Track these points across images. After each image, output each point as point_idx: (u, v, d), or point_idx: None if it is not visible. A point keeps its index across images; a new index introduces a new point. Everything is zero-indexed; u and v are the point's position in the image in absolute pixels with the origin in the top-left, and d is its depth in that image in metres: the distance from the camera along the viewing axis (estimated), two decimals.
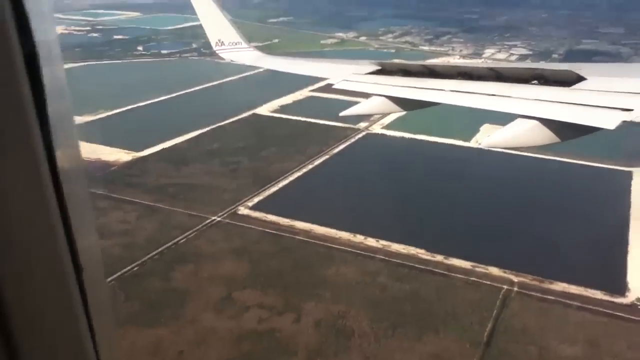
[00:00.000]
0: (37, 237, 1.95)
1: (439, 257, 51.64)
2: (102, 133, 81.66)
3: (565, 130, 9.45)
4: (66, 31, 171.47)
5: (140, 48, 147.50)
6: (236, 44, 21.41)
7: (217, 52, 21.66)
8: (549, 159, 75.30)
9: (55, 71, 2.13)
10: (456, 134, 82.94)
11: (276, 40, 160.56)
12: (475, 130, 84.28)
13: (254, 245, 52.74)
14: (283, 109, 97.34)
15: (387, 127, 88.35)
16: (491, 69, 11.87)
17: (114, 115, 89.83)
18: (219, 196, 62.35)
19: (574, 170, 72.86)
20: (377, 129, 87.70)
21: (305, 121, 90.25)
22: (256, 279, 47.23)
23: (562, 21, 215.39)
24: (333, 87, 14.85)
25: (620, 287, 48.22)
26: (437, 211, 60.73)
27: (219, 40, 21.00)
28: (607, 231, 57.27)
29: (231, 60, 22.09)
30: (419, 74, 13.11)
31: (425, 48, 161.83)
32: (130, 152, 74.33)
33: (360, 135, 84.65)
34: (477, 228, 57.25)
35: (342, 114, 14.08)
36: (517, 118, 9.74)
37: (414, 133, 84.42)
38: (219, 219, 57.53)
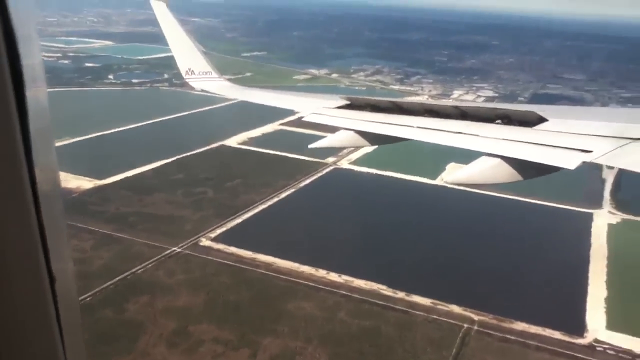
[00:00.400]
0: (16, 251, 2.10)
1: (400, 294, 51.23)
2: (65, 160, 79.96)
3: (527, 169, 9.59)
4: None
5: (110, 76, 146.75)
6: (206, 73, 21.25)
7: (187, 80, 21.47)
8: (513, 199, 76.45)
9: (39, 93, 2.27)
10: (422, 171, 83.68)
11: (248, 74, 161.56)
12: (440, 169, 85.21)
13: (214, 277, 51.57)
14: (252, 141, 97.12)
15: (355, 162, 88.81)
16: (457, 107, 12.16)
17: (78, 142, 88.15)
18: (181, 227, 61.18)
19: (538, 210, 73.89)
20: (344, 164, 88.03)
21: (273, 154, 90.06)
22: (213, 312, 45.97)
23: (529, 66, 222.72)
24: (303, 119, 14.88)
25: (579, 327, 48.41)
26: (401, 247, 60.57)
27: (189, 69, 20.90)
28: (567, 271, 57.87)
29: (201, 90, 22.00)
30: (387, 110, 13.32)
31: (395, 87, 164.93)
32: (92, 179, 72.77)
33: (327, 170, 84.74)
34: (439, 265, 57.18)
35: (311, 146, 14.12)
36: (481, 156, 9.97)
37: (381, 169, 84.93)
38: (179, 250, 56.27)
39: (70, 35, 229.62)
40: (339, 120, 13.61)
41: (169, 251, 55.67)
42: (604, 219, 71.34)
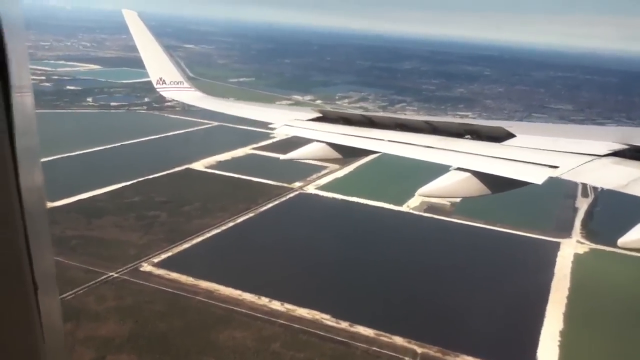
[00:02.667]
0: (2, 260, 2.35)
1: (344, 324, 48.59)
2: None
3: (496, 184, 9.69)
4: None
5: (89, 99, 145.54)
6: (178, 83, 20.88)
7: (158, 90, 20.95)
8: (479, 227, 74.26)
9: (27, 110, 2.51)
10: (389, 197, 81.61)
11: (231, 99, 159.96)
12: (410, 194, 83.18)
13: (146, 304, 48.92)
14: (220, 164, 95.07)
15: (322, 187, 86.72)
16: (427, 122, 12.22)
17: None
18: (125, 251, 58.71)
19: (504, 239, 71.59)
20: (311, 189, 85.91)
21: (239, 178, 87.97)
22: (137, 342, 43.24)
23: (516, 95, 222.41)
24: (275, 131, 15.08)
25: None
26: (352, 276, 58.01)
27: (161, 79, 20.56)
28: (525, 303, 55.24)
29: (172, 99, 21.75)
30: (359, 123, 13.38)
31: (378, 114, 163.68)
32: None
33: (292, 195, 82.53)
34: (389, 294, 54.58)
35: (282, 157, 14.02)
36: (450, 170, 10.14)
37: (347, 195, 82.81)
38: (116, 275, 53.72)
39: (60, 59, 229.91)
40: (310, 132, 13.58)
41: (105, 276, 53.12)
42: (571, 249, 68.95)
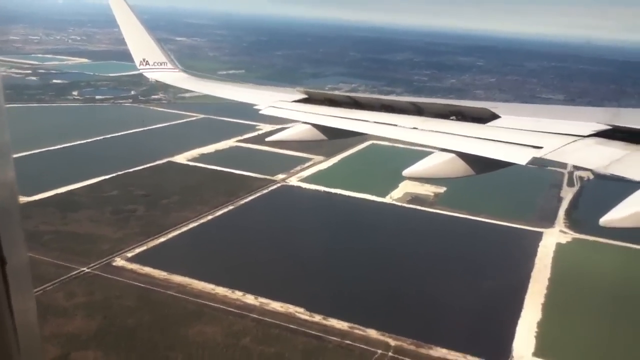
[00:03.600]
0: None
1: (317, 317, 47.82)
2: None
3: (480, 164, 9.77)
4: (4, 73, 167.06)
5: (75, 93, 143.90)
6: (162, 64, 20.67)
7: (141, 71, 20.61)
8: (460, 217, 73.53)
9: None
10: (373, 189, 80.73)
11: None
12: (394, 186, 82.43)
13: (116, 300, 48.07)
14: (202, 157, 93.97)
15: (305, 179, 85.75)
16: (412, 103, 12.18)
17: (17, 158, 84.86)
18: (98, 246, 57.78)
19: (485, 229, 70.80)
20: (294, 181, 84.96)
21: (221, 170, 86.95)
22: (104, 338, 42.44)
23: (508, 86, 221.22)
24: (260, 112, 14.85)
25: (504, 353, 44.97)
26: (330, 268, 57.21)
27: (144, 60, 20.30)
28: (503, 293, 54.56)
29: (155, 80, 21.14)
30: (344, 104, 13.30)
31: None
32: (20, 196, 69.16)
33: (274, 187, 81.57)
34: (366, 287, 53.83)
35: (267, 139, 14.05)
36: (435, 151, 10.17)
37: (331, 187, 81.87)
38: (88, 270, 52.83)
39: (48, 52, 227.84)
40: (295, 113, 13.57)
41: (76, 272, 52.22)
42: (553, 238, 68.23)
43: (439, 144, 10.19)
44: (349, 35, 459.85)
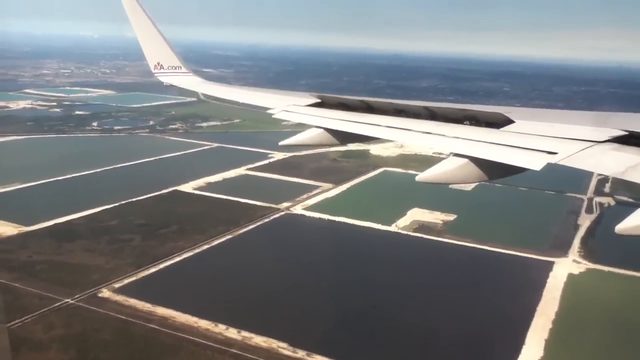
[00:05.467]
0: None
1: (301, 353, 45.41)
2: (1, 206, 77.55)
3: (494, 170, 9.66)
4: (29, 106, 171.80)
5: (95, 124, 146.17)
6: (176, 68, 21.17)
7: (155, 75, 21.04)
8: (470, 247, 70.32)
9: None
10: (379, 216, 78.34)
11: (237, 120, 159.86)
12: (401, 214, 79.88)
13: (94, 333, 46.62)
14: (209, 186, 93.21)
15: (310, 207, 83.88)
16: (426, 107, 12.02)
17: (25, 188, 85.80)
18: (87, 276, 56.80)
19: (493, 258, 67.46)
20: (298, 209, 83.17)
21: (225, 199, 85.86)
22: None
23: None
24: (273, 116, 14.94)
25: None
26: (319, 302, 54.62)
27: (158, 64, 20.76)
28: (504, 328, 51.20)
29: (170, 85, 21.45)
30: (357, 109, 13.29)
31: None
32: (19, 226, 69.42)
33: (276, 216, 79.87)
34: (359, 321, 51.03)
35: (281, 143, 13.62)
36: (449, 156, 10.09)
37: (335, 215, 79.80)
38: (72, 301, 51.69)
39: (77, 85, 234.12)
40: (309, 117, 13.57)
41: (59, 303, 51.14)
42: (565, 269, 64.46)
43: (453, 148, 10.14)
44: (374, 64, 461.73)
